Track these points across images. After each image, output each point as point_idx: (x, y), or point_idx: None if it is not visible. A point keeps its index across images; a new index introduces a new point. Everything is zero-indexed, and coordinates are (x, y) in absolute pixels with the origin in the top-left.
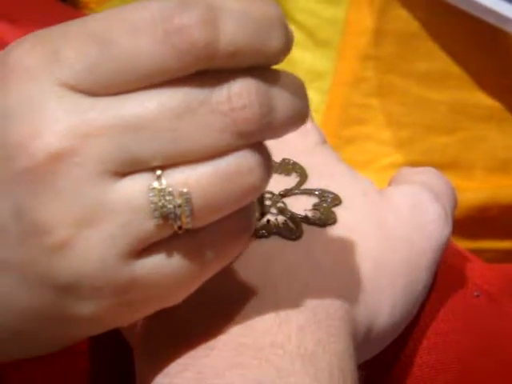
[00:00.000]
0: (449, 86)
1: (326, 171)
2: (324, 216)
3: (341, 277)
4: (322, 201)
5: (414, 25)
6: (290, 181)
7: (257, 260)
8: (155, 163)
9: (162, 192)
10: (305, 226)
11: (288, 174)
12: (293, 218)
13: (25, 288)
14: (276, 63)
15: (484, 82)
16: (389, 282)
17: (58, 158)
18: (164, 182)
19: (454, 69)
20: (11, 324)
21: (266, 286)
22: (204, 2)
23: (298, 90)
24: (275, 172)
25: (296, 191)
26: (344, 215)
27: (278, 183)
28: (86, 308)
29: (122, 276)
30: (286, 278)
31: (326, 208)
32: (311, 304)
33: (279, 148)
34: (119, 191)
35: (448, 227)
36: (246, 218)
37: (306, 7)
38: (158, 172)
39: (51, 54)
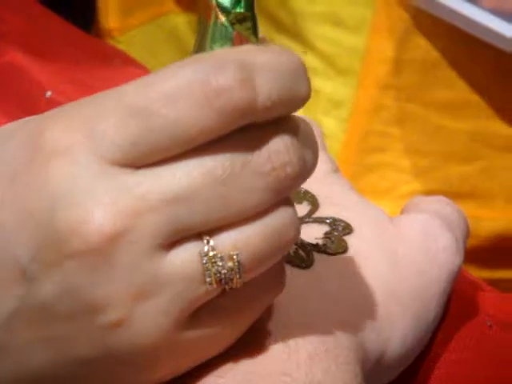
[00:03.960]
0: (468, 115)
1: (337, 200)
2: (335, 244)
3: (351, 305)
4: (333, 229)
5: (433, 54)
6: (302, 209)
7: None
8: (203, 229)
9: (213, 258)
10: (316, 255)
11: (299, 202)
12: (304, 246)
13: (75, 360)
14: (299, 109)
15: (504, 111)
16: (399, 310)
17: (112, 240)
18: (214, 247)
19: (474, 98)
20: None
21: (275, 314)
22: (236, 60)
23: (312, 131)
24: None
25: (307, 219)
26: (355, 244)
27: None
28: (136, 375)
29: (175, 341)
30: (295, 307)
31: (337, 236)
32: (321, 333)
33: None
34: (172, 262)
35: (459, 256)
36: (280, 268)
37: (326, 36)
38: (207, 238)
39: (89, 131)
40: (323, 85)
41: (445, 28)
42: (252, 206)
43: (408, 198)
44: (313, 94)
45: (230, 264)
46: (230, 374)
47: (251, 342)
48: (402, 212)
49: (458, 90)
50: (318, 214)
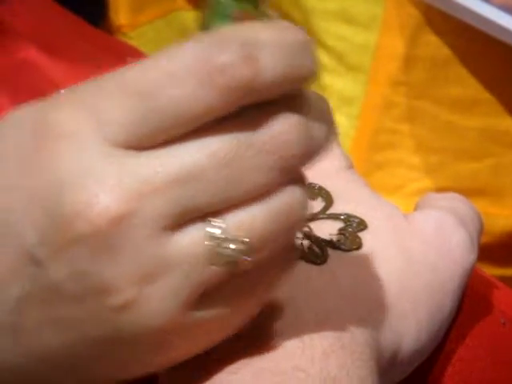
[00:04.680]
0: (479, 113)
1: (351, 196)
2: (349, 241)
3: (365, 301)
4: (347, 225)
5: (444, 51)
6: (316, 205)
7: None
8: (209, 211)
9: (219, 239)
10: (330, 251)
11: (314, 198)
12: (318, 242)
13: (85, 341)
14: (306, 87)
15: None
16: (413, 306)
17: (117, 222)
18: (220, 228)
19: (484, 95)
20: (68, 369)
21: (290, 310)
22: (238, 37)
23: (326, 108)
24: None
25: (321, 216)
26: (369, 240)
27: None
28: (147, 356)
29: (184, 323)
30: (310, 303)
31: (352, 233)
32: (336, 329)
33: (305, 172)
34: (178, 244)
35: (473, 253)
36: (290, 248)
37: (337, 33)
38: (213, 219)
39: (93, 114)
40: (334, 81)
41: (455, 25)
42: (258, 186)
43: (418, 196)
44: (323, 90)
45: (237, 245)
46: (244, 370)
47: (265, 338)
48: (416, 208)
49: (468, 87)
50: (332, 210)
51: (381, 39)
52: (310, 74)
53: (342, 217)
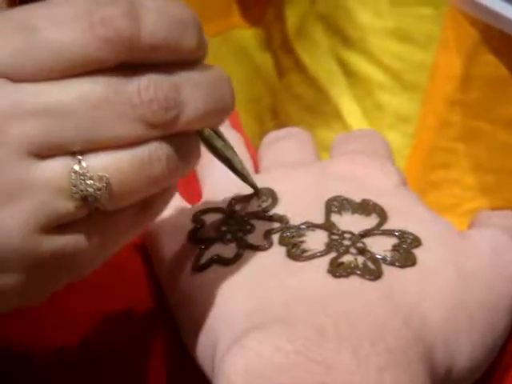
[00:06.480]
0: None
1: (405, 212)
2: (403, 257)
3: (420, 318)
4: (401, 242)
5: (501, 71)
6: (370, 221)
7: (336, 300)
8: (76, 148)
9: (82, 175)
10: (384, 267)
11: (368, 214)
12: (372, 258)
13: None
14: (191, 60)
15: None
16: (468, 324)
17: None
18: (85, 166)
19: None
20: None
21: (345, 325)
22: None
23: (217, 85)
24: (355, 212)
25: (376, 232)
26: (423, 257)
27: (358, 223)
28: (2, 281)
29: (38, 250)
30: (365, 318)
31: (406, 249)
32: (390, 344)
33: (360, 189)
34: (40, 171)
35: None
36: (144, 207)
37: (393, 51)
38: (79, 156)
39: None
40: (390, 100)
41: None
42: (124, 133)
43: (472, 216)
44: (379, 108)
45: (98, 184)
46: None
47: (320, 353)
48: (470, 226)
49: None
50: (386, 227)
51: (438, 58)
52: (192, 50)
53: (397, 233)
